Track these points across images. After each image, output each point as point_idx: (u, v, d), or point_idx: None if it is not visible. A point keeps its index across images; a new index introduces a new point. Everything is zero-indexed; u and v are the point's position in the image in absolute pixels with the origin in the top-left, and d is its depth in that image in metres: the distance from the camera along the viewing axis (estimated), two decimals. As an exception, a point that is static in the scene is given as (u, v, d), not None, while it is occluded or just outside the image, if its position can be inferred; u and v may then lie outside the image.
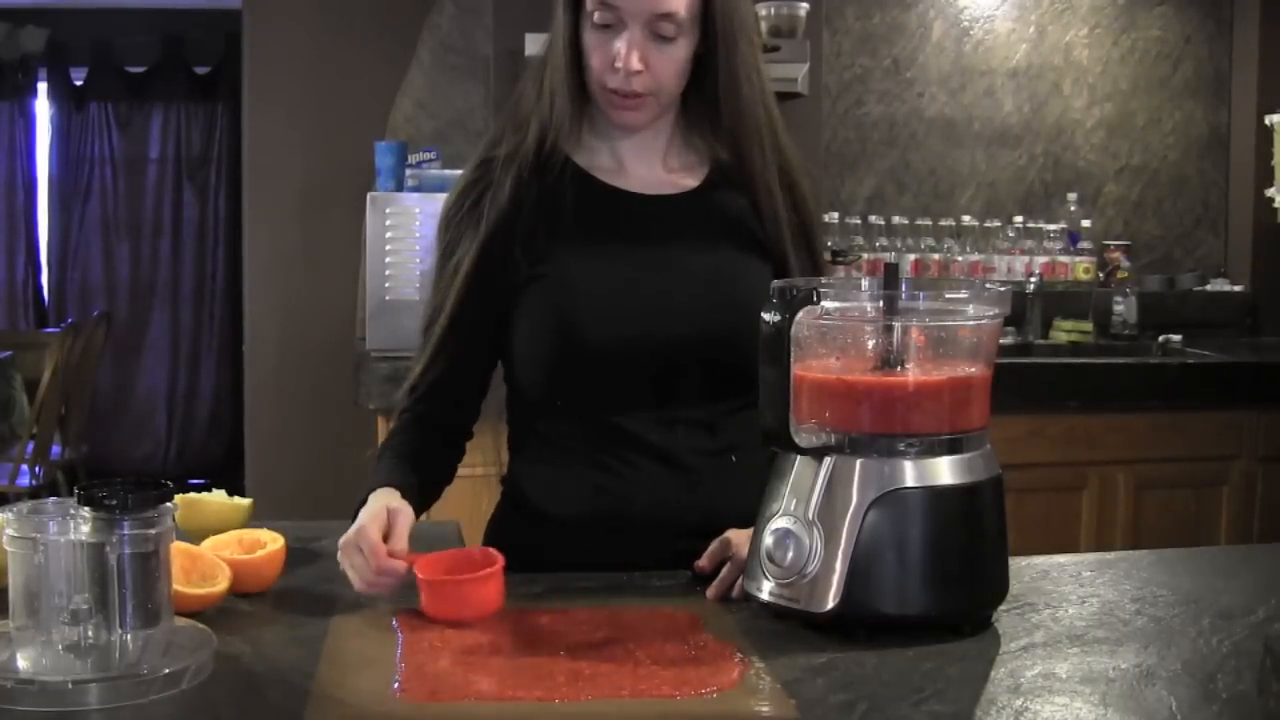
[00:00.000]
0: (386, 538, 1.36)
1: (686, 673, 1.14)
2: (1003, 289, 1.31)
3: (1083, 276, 4.03)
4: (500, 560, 1.34)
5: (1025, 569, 1.49)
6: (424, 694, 1.10)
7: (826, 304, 1.26)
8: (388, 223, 3.24)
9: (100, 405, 6.45)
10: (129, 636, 1.11)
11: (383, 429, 3.08)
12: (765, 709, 1.08)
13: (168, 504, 1.15)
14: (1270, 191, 3.99)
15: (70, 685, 1.06)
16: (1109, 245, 4.10)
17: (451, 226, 1.60)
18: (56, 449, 5.38)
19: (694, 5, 1.49)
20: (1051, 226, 4.06)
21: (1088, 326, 3.93)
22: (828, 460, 1.26)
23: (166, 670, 1.08)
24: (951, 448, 1.26)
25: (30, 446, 5.03)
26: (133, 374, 6.77)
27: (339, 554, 1.36)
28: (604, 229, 1.57)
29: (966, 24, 4.09)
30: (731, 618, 1.31)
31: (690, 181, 1.62)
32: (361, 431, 3.23)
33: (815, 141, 3.85)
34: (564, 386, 1.56)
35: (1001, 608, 1.32)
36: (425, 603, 1.31)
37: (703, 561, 1.44)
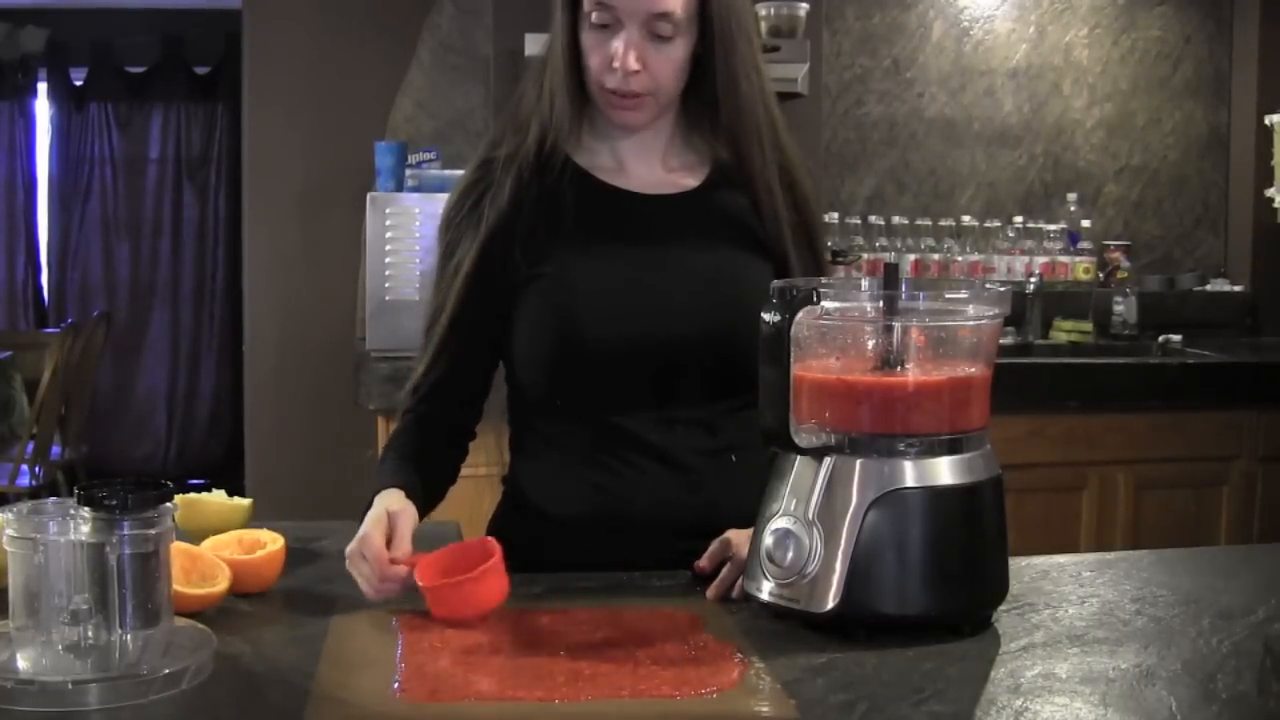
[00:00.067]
0: (390, 542, 1.37)
1: (686, 673, 1.14)
2: (1003, 289, 1.31)
3: (1083, 276, 4.03)
4: (497, 551, 1.34)
5: (1025, 569, 1.49)
6: (424, 694, 1.10)
7: (826, 304, 1.26)
8: (388, 223, 3.24)
9: (100, 405, 6.44)
10: (129, 637, 1.11)
11: (383, 429, 3.08)
12: (765, 709, 1.08)
13: (168, 504, 1.15)
14: (1270, 191, 3.99)
15: (70, 685, 1.06)
16: (1109, 245, 4.10)
17: (452, 227, 1.60)
18: (56, 449, 5.38)
19: (691, 4, 1.49)
20: (1051, 227, 4.06)
21: (1088, 326, 3.93)
22: (828, 460, 1.26)
23: (166, 670, 1.08)
24: (951, 448, 1.26)
25: (30, 447, 5.03)
26: (133, 374, 6.76)
27: (347, 563, 1.37)
28: (604, 229, 1.57)
29: (966, 24, 4.09)
30: (731, 618, 1.31)
31: (691, 181, 1.62)
32: (361, 431, 3.24)
33: (815, 141, 3.85)
34: (564, 386, 1.56)
35: (1001, 608, 1.32)
36: (430, 607, 1.32)
37: (703, 562, 1.44)
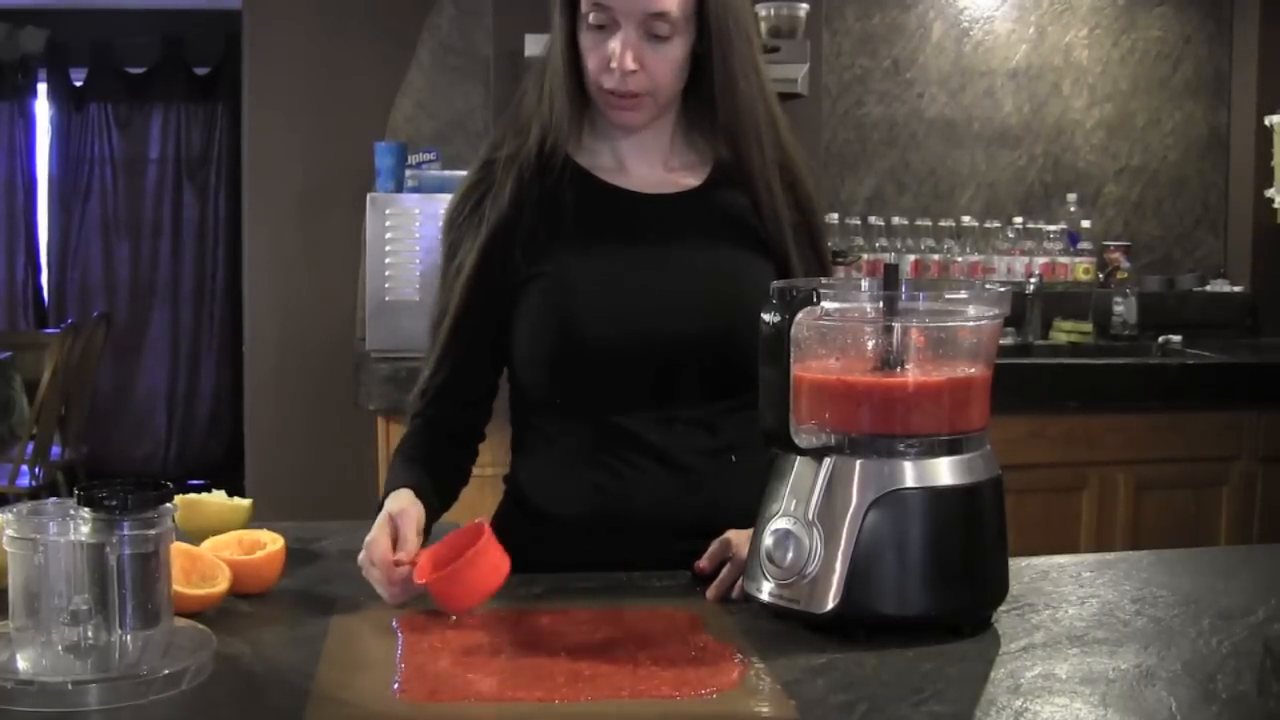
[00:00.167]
0: (395, 543, 1.37)
1: (686, 673, 1.14)
2: (1002, 289, 1.31)
3: (1082, 277, 4.02)
4: (486, 531, 1.34)
5: (1025, 569, 1.49)
6: (424, 694, 1.10)
7: (826, 305, 1.26)
8: (387, 223, 3.24)
9: (100, 405, 6.45)
10: (129, 637, 1.11)
11: (383, 429, 3.09)
12: (765, 709, 1.08)
13: (167, 504, 1.15)
14: (1270, 192, 3.99)
15: (70, 686, 1.06)
16: (1109, 246, 4.10)
17: (454, 229, 1.60)
18: (56, 449, 5.38)
19: (688, 4, 1.49)
20: (1051, 227, 4.05)
21: (1087, 327, 3.93)
22: (827, 461, 1.26)
23: (166, 671, 1.08)
24: (951, 448, 1.26)
25: (30, 447, 5.03)
26: (133, 374, 6.77)
27: (363, 573, 1.38)
28: (605, 228, 1.57)
29: (966, 24, 4.09)
30: (731, 618, 1.31)
31: (692, 181, 1.62)
32: (361, 431, 3.24)
33: (815, 142, 3.85)
34: (564, 385, 1.56)
35: (1001, 608, 1.32)
36: (438, 603, 1.32)
37: (703, 562, 1.44)
